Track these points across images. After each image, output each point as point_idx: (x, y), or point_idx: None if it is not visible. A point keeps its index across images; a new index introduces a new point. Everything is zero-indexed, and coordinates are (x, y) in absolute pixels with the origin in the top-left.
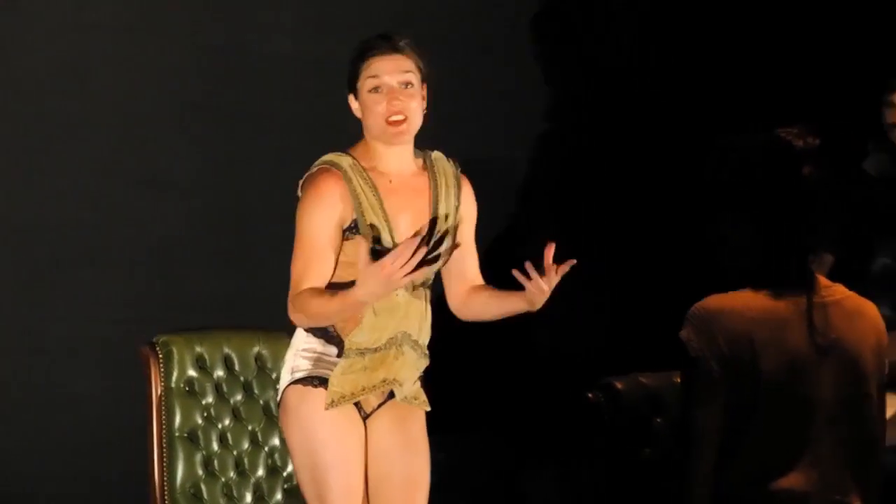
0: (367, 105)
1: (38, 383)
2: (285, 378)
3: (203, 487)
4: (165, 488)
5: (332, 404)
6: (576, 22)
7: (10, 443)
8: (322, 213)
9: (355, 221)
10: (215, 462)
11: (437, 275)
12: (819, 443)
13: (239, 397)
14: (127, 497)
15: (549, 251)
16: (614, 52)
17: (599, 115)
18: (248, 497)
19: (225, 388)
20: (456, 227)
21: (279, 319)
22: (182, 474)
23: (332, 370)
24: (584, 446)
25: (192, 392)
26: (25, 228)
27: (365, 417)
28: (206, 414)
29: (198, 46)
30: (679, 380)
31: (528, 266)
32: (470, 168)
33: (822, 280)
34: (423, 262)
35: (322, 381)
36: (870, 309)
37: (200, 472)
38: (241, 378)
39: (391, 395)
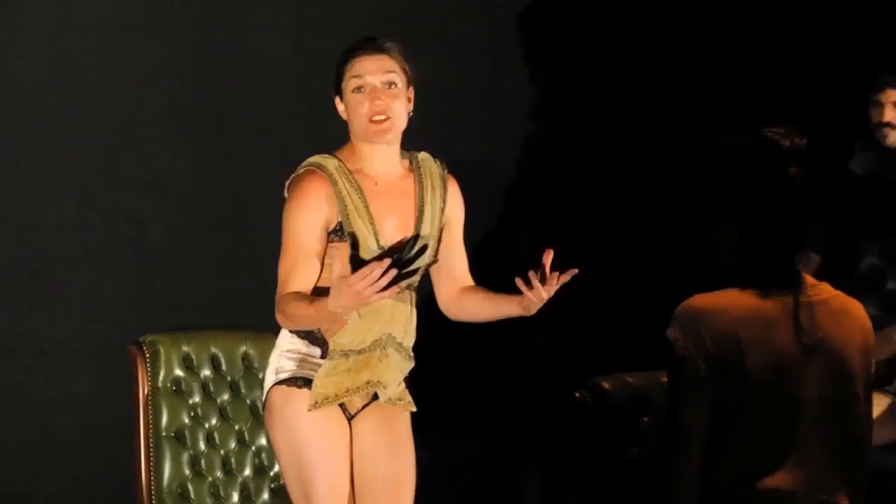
0: (350, 105)
1: (24, 382)
2: (270, 379)
3: (190, 487)
4: (152, 488)
5: (315, 405)
6: (564, 22)
7: None
8: (307, 215)
9: (340, 224)
10: (202, 461)
11: (425, 276)
12: (806, 442)
13: (226, 397)
14: (114, 496)
15: (548, 257)
16: (603, 52)
17: (588, 116)
18: (235, 496)
19: (212, 388)
20: (441, 230)
21: (266, 319)
22: (169, 474)
23: (316, 371)
24: (572, 446)
25: (178, 391)
26: (14, 229)
27: (350, 418)
28: (192, 413)
29: (195, 47)
30: (666, 379)
31: (532, 275)
32: (458, 169)
33: (809, 279)
34: (398, 278)
35: (306, 382)
36: (856, 308)
37: (187, 471)
38: (228, 378)
39: (376, 396)
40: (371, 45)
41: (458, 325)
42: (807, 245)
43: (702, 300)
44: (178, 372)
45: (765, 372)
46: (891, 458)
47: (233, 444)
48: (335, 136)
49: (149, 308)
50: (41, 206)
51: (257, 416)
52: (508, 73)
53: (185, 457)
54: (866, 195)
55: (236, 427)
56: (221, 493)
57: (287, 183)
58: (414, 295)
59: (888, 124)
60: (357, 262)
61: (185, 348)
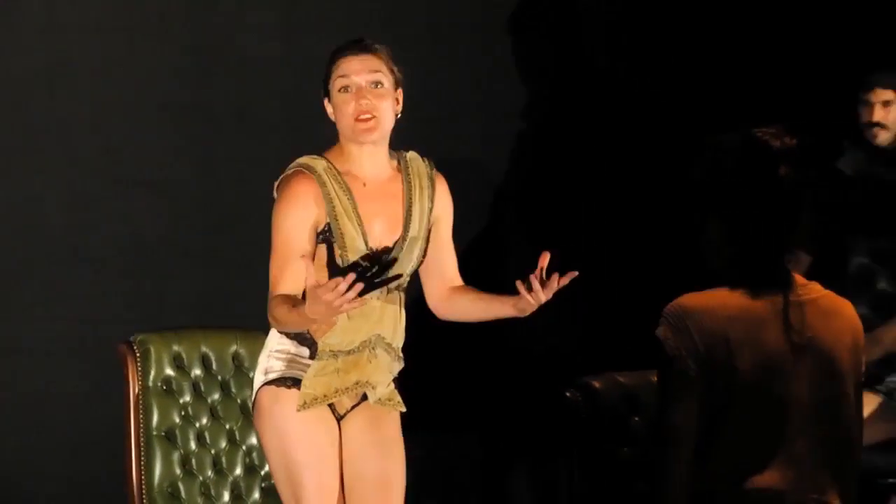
0: (337, 105)
1: (13, 382)
2: (259, 379)
3: (181, 486)
4: (143, 487)
5: (304, 406)
6: (555, 21)
7: None
8: (296, 216)
9: (328, 225)
10: (193, 461)
11: (414, 277)
12: (795, 441)
13: (216, 396)
14: (104, 496)
15: (545, 259)
16: (595, 52)
17: (578, 116)
18: (226, 496)
19: (202, 387)
20: (430, 230)
21: (257, 319)
22: (160, 473)
23: (305, 371)
24: (562, 445)
25: (169, 391)
26: (5, 229)
27: (339, 419)
28: (183, 413)
29: (187, 47)
30: (656, 379)
31: (533, 278)
32: (449, 168)
33: (799, 279)
34: (372, 287)
35: (295, 382)
36: (846, 308)
37: (178, 471)
38: (219, 377)
39: (365, 396)
40: (357, 46)
41: (449, 326)
42: (797, 245)
43: (691, 299)
44: (169, 371)
45: (754, 371)
46: (881, 458)
47: (223, 444)
48: (325, 137)
49: (139, 307)
50: (32, 206)
51: (248, 416)
52: (499, 73)
53: (176, 456)
54: (856, 195)
55: (227, 426)
56: (212, 492)
57: (276, 184)
58: (403, 296)
59: (877, 124)
60: (343, 265)
61: (175, 348)
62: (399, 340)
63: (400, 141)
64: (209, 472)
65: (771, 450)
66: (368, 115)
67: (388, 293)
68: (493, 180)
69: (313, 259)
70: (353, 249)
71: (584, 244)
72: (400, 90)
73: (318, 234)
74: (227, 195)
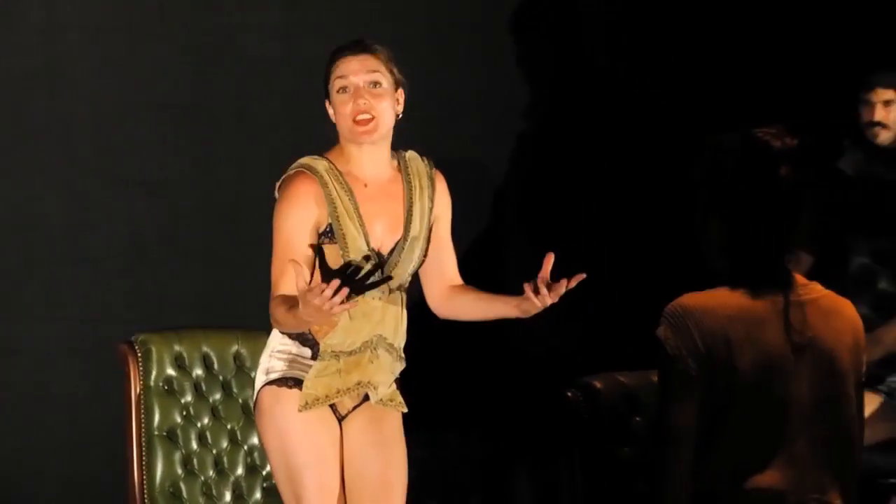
0: (336, 106)
1: (13, 382)
2: (260, 379)
3: (182, 486)
4: (144, 487)
5: (305, 406)
6: (556, 21)
7: None
8: (297, 216)
9: (330, 226)
10: (194, 461)
11: (416, 277)
12: (796, 441)
13: (218, 396)
14: (106, 496)
15: (549, 261)
16: (595, 52)
17: (579, 116)
18: (228, 496)
19: (204, 387)
20: (430, 229)
21: (258, 319)
22: (161, 473)
23: (306, 372)
24: (563, 445)
25: (170, 391)
26: (5, 229)
27: (340, 419)
28: (184, 413)
29: (186, 47)
30: (656, 378)
31: (541, 282)
32: (449, 168)
33: (799, 279)
34: (364, 289)
35: (297, 383)
36: (847, 308)
37: (179, 470)
38: (220, 377)
39: (367, 397)
40: (356, 46)
41: (450, 326)
42: (797, 245)
43: (692, 299)
44: (170, 371)
45: (755, 371)
46: (882, 458)
47: (225, 444)
48: (325, 137)
49: (139, 307)
50: (32, 205)
51: (249, 416)
52: (499, 73)
53: (178, 456)
54: (857, 195)
55: (228, 426)
56: (213, 492)
57: (277, 184)
58: (405, 296)
59: (878, 123)
60: (342, 265)
61: (176, 347)
62: (401, 341)
63: (400, 141)
64: (211, 472)
65: (771, 450)
66: (367, 116)
67: (389, 293)
68: (493, 180)
69: (314, 260)
70: (355, 250)
71: (584, 244)
72: (401, 90)
73: (319, 235)
74: (227, 195)
